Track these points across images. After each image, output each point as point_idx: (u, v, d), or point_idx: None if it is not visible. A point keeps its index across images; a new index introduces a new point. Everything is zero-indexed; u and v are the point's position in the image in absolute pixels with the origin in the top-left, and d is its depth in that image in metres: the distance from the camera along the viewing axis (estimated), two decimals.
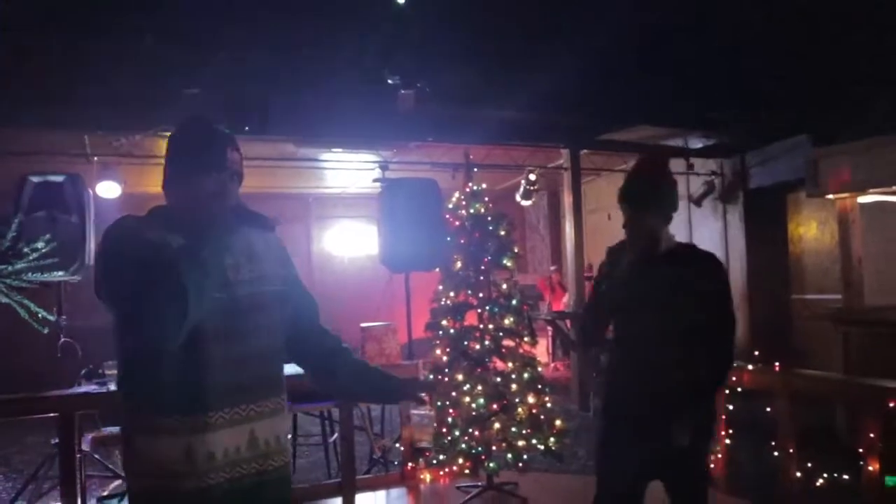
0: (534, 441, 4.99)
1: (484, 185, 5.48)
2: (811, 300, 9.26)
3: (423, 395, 2.41)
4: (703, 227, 10.38)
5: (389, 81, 6.07)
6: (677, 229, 10.11)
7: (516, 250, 5.39)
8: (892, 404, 3.82)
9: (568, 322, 10.32)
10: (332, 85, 7.01)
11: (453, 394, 5.02)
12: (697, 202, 10.13)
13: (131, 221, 1.93)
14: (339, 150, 9.43)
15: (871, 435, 3.95)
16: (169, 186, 2.00)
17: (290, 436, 2.24)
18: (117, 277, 1.79)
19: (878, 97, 7.27)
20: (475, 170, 5.73)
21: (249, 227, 1.99)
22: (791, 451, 4.40)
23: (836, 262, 8.00)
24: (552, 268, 13.02)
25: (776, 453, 4.49)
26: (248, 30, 6.40)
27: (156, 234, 1.86)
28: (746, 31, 7.07)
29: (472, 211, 5.31)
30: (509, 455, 4.94)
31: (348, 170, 10.10)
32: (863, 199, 6.99)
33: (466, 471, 4.92)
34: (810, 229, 9.58)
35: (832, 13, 6.64)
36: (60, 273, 5.28)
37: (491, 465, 4.92)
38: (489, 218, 5.32)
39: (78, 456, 4.54)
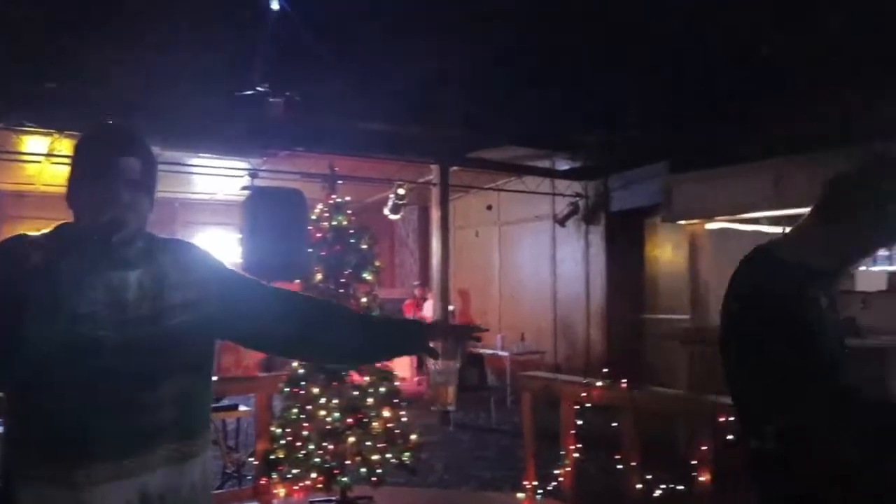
0: (388, 455, 4.99)
1: (348, 198, 5.47)
2: (663, 319, 9.70)
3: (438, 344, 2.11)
4: (567, 246, 10.72)
5: (259, 89, 6.00)
6: (542, 247, 10.43)
7: (378, 264, 5.40)
8: (722, 419, 4.03)
9: None
10: (201, 88, 6.85)
11: (308, 407, 4.97)
12: (562, 222, 10.44)
13: (15, 241, 1.70)
14: (208, 154, 9.21)
15: (705, 448, 4.17)
16: (66, 200, 1.79)
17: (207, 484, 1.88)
18: None
19: (730, 129, 7.73)
20: (340, 182, 5.71)
21: (164, 257, 1.82)
22: (634, 463, 4.58)
23: (688, 284, 8.43)
24: (415, 283, 13.10)
25: (620, 466, 4.66)
26: (115, 27, 6.20)
27: (35, 258, 1.63)
28: (612, 60, 7.39)
29: (334, 223, 5.28)
30: (363, 469, 4.92)
31: (216, 176, 9.87)
32: (711, 225, 7.40)
33: (320, 485, 4.87)
34: (665, 252, 10.06)
35: (694, 48, 7.03)
36: None
37: (344, 479, 4.89)
38: (351, 231, 5.31)
39: None
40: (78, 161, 1.77)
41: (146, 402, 1.70)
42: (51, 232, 1.76)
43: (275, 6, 6.46)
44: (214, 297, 1.86)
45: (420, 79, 7.27)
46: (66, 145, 8.17)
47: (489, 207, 11.93)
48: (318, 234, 5.30)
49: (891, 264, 7.96)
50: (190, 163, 9.48)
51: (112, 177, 1.72)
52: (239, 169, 9.05)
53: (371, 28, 6.72)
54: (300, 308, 2.07)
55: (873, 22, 5.94)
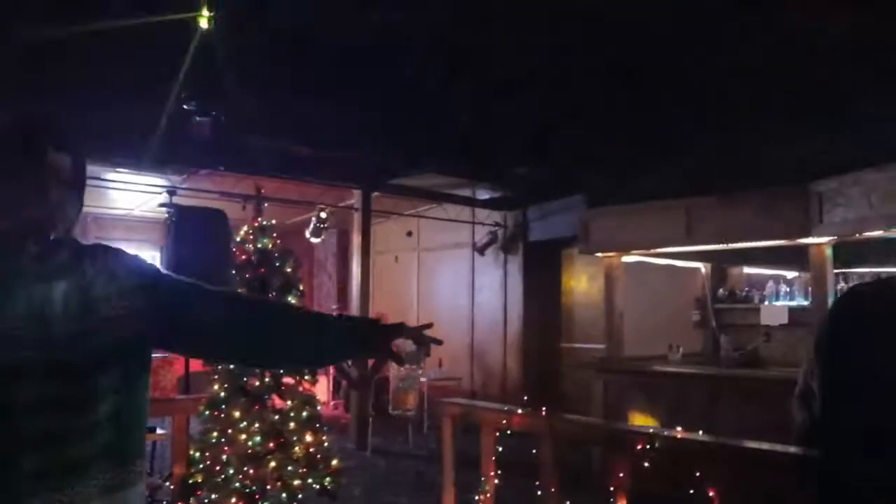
0: (310, 480, 4.96)
1: (273, 221, 5.46)
2: (579, 349, 9.93)
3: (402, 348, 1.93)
4: (486, 274, 10.87)
5: (185, 107, 5.92)
6: (461, 275, 10.50)
7: (301, 288, 5.39)
8: (639, 446, 4.18)
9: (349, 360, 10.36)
10: (123, 102, 6.72)
11: (229, 431, 4.90)
12: (481, 251, 10.60)
13: None
14: (126, 170, 9.00)
15: (621, 474, 4.29)
16: None
17: None
18: None
19: (646, 165, 8.02)
20: (266, 204, 5.69)
21: (91, 266, 1.62)
22: (553, 489, 4.68)
23: (602, 314, 8.67)
24: (333, 306, 13.04)
25: (540, 492, 4.75)
26: (33, 36, 6.03)
27: None
28: (533, 91, 7.57)
29: (259, 246, 5.26)
30: (284, 494, 4.88)
31: (134, 192, 9.65)
32: (627, 258, 7.65)
33: None
34: (581, 282, 10.31)
35: (611, 83, 7.27)
36: None
37: None
38: (276, 254, 5.30)
39: None
40: None
41: (76, 428, 1.54)
42: None
43: (203, 24, 6.40)
44: (149, 308, 1.68)
45: (346, 103, 7.30)
46: None
47: (409, 234, 12.01)
48: (243, 257, 5.27)
49: (792, 300, 8.37)
50: (107, 177, 9.25)
51: (40, 173, 1.54)
52: (157, 186, 8.86)
53: (297, 50, 6.72)
54: (248, 310, 1.88)
55: (779, 65, 6.27)
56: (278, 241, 5.36)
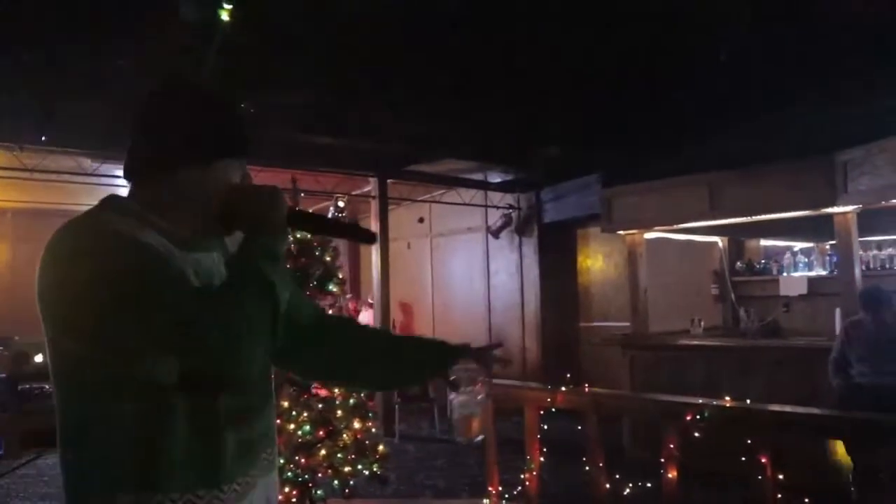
0: (359, 466, 5.02)
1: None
2: (597, 327, 10.01)
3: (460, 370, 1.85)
4: (501, 257, 10.92)
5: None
6: (475, 259, 10.54)
7: (341, 276, 5.43)
8: (688, 418, 4.25)
9: None
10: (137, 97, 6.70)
11: (278, 421, 4.94)
12: (495, 234, 10.64)
13: (121, 225, 1.36)
14: None
15: (671, 446, 4.37)
16: (160, 171, 1.43)
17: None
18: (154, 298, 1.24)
19: (659, 142, 8.06)
20: (302, 195, 5.72)
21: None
22: (601, 464, 4.75)
23: (619, 292, 8.76)
24: (348, 296, 13.06)
25: (587, 468, 4.82)
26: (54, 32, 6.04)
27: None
28: (542, 73, 7.60)
29: (298, 236, 5.29)
30: (335, 481, 4.94)
31: None
32: (647, 234, 7.71)
33: (293, 499, 4.85)
34: (597, 262, 10.38)
35: (618, 62, 7.30)
36: None
37: (318, 492, 4.89)
38: (315, 243, 5.33)
39: None
40: (230, 130, 1.50)
41: (258, 405, 1.53)
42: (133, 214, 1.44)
43: (224, 17, 6.41)
44: None
45: (362, 91, 7.33)
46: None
47: (421, 220, 12.02)
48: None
49: (810, 270, 8.44)
50: (120, 175, 9.18)
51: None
52: None
53: (312, 39, 6.74)
54: (335, 324, 1.94)
55: (797, 40, 6.31)
56: None
